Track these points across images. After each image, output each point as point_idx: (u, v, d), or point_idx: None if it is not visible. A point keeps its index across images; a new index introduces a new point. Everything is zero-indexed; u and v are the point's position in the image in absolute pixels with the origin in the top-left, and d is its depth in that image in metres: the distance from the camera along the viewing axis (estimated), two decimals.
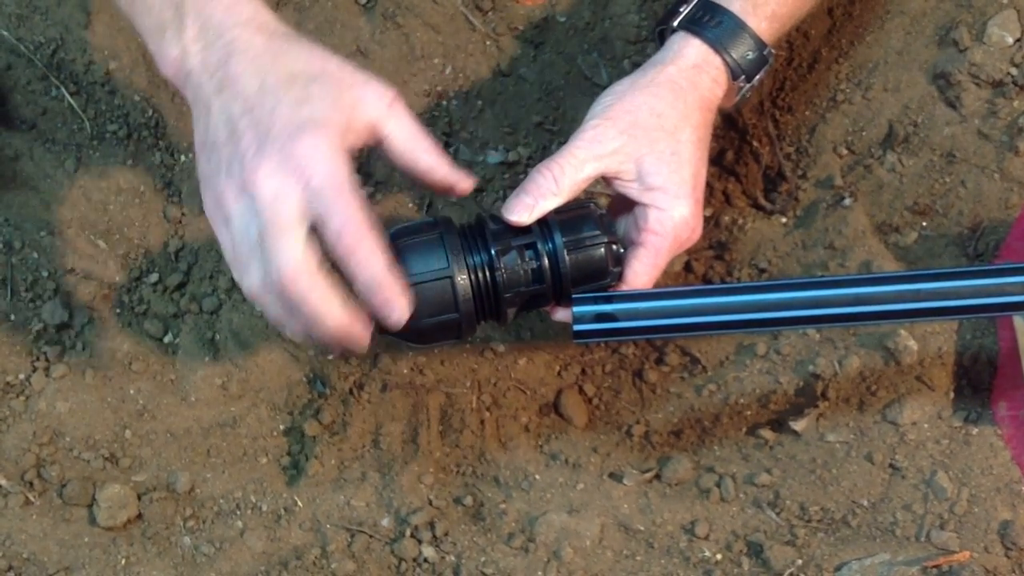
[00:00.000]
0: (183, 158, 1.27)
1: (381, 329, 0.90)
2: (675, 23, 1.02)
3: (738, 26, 1.00)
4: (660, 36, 1.05)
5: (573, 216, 0.94)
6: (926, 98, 1.15)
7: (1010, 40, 1.11)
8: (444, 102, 1.28)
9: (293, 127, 0.81)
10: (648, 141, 0.96)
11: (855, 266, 1.13)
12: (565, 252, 0.93)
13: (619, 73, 1.28)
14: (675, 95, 0.98)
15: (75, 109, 1.29)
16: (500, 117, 1.28)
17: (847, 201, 1.18)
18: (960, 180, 1.12)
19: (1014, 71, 1.10)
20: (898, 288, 0.90)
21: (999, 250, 1.08)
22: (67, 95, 1.28)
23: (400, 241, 0.92)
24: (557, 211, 0.94)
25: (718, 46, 0.99)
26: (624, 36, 1.27)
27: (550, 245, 0.93)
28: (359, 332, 0.85)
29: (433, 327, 0.92)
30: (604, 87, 1.28)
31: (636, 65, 1.28)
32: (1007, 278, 0.90)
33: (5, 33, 1.28)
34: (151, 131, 1.28)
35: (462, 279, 0.91)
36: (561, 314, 0.98)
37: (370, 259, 0.82)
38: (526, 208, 0.93)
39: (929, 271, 0.92)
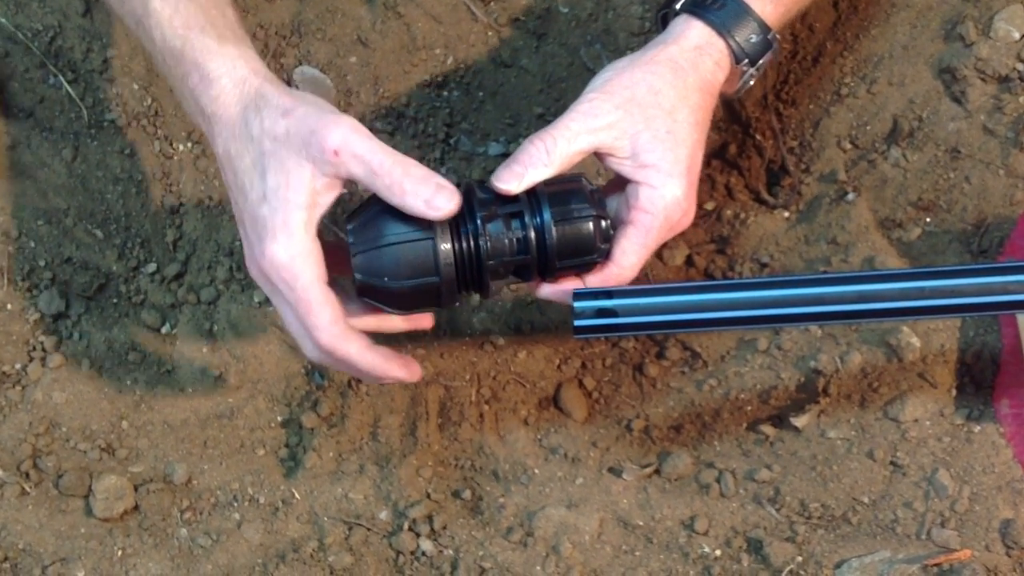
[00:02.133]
0: (181, 147, 1.27)
1: (359, 291, 0.91)
2: (678, 6, 1.00)
3: (742, 9, 0.99)
4: (663, 20, 1.04)
5: (563, 189, 0.93)
6: (931, 93, 1.15)
7: (1017, 35, 1.10)
8: (445, 92, 1.28)
9: (256, 230, 0.88)
10: (644, 118, 0.94)
11: (858, 262, 1.12)
12: (552, 224, 0.91)
13: None
14: (675, 74, 0.96)
15: (73, 97, 1.28)
16: (501, 108, 1.28)
17: (850, 196, 1.17)
18: (965, 176, 1.11)
19: (1021, 66, 1.09)
20: (902, 286, 0.90)
21: (1003, 246, 1.08)
22: (65, 83, 1.28)
23: (385, 202, 0.90)
24: (547, 183, 0.93)
25: (721, 29, 0.98)
26: (627, 28, 1.26)
27: (538, 217, 0.91)
28: (404, 367, 0.95)
29: (412, 290, 0.90)
30: None
31: None
32: (1011, 276, 0.89)
33: (3, 20, 1.28)
34: (149, 120, 1.28)
35: (444, 243, 0.89)
36: (546, 290, 0.96)
37: (344, 350, 0.90)
38: (515, 176, 0.91)
39: (933, 268, 0.91)
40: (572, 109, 0.95)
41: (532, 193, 0.92)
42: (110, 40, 1.27)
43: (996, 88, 1.11)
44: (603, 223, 0.92)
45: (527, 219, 0.91)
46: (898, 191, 1.15)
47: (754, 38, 0.99)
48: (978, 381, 1.04)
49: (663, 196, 0.94)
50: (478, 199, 0.92)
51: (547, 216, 0.91)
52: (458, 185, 0.91)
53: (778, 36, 1.01)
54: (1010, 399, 1.02)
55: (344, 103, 1.27)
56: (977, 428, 1.01)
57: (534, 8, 1.27)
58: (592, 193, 0.93)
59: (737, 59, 0.99)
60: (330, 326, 0.89)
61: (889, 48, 1.19)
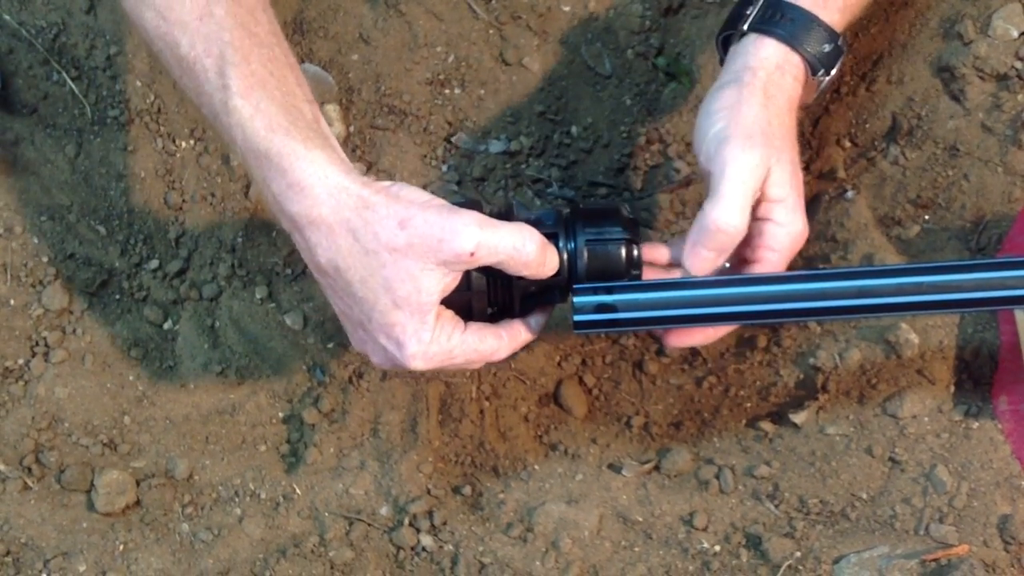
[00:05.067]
0: (184, 144, 1.27)
1: None
2: (744, 26, 0.99)
3: (810, 20, 0.97)
4: (724, 44, 1.02)
5: (599, 213, 0.93)
6: (930, 91, 1.15)
7: (1015, 33, 1.10)
8: (446, 91, 1.28)
9: (395, 336, 0.88)
10: (774, 150, 0.93)
11: (857, 259, 1.13)
12: (585, 248, 0.92)
13: (623, 63, 1.28)
14: (770, 100, 0.95)
15: (76, 94, 1.28)
16: (503, 106, 1.28)
17: (850, 194, 1.17)
18: (963, 174, 1.12)
19: (1019, 64, 1.09)
20: (900, 281, 0.90)
21: (1001, 244, 1.08)
22: (68, 80, 1.28)
23: None
24: (585, 207, 0.94)
25: (794, 43, 0.97)
26: (628, 26, 1.27)
27: (571, 240, 0.92)
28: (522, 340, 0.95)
29: (444, 302, 0.90)
30: (607, 77, 1.28)
31: (639, 55, 1.28)
32: (1009, 272, 0.89)
33: (7, 17, 1.28)
34: (152, 117, 1.28)
35: None
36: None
37: (516, 346, 0.95)
38: (710, 263, 0.92)
39: (931, 264, 0.91)
40: (722, 173, 0.91)
41: (570, 216, 0.93)
42: (114, 37, 1.28)
43: (994, 86, 1.11)
44: (635, 249, 0.93)
45: (561, 241, 0.92)
46: (897, 189, 1.15)
47: (827, 47, 0.97)
48: (976, 378, 1.05)
49: (790, 233, 0.93)
50: (516, 218, 0.92)
51: (580, 239, 0.92)
52: (496, 195, 0.91)
53: (847, 38, 1.00)
54: (1008, 396, 1.02)
55: (346, 100, 1.28)
56: (975, 424, 1.01)
57: (535, 6, 1.27)
58: (628, 219, 0.93)
59: (813, 70, 0.98)
60: (501, 349, 0.93)
61: (888, 46, 1.20)
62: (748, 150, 0.92)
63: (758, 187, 0.92)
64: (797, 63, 0.97)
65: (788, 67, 0.97)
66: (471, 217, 0.85)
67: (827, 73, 0.99)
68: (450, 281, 0.88)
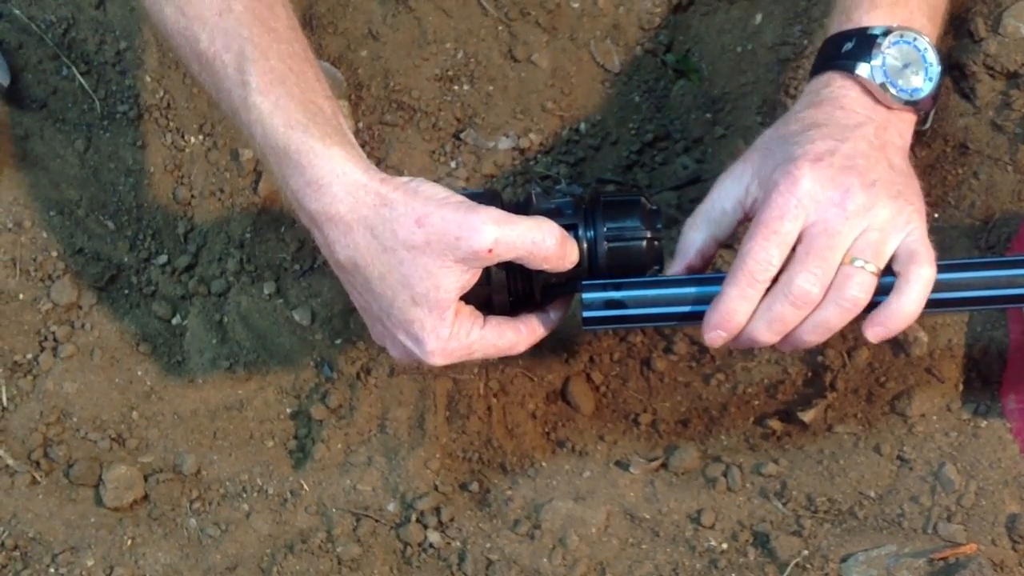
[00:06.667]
0: (193, 140, 1.27)
1: None
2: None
3: (836, 37, 0.94)
4: None
5: (621, 206, 0.92)
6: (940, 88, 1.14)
7: None
8: (455, 87, 1.28)
9: (414, 332, 0.89)
10: (765, 156, 0.90)
11: None
12: (605, 241, 0.91)
13: (631, 60, 1.28)
14: (789, 114, 0.93)
15: (86, 89, 1.29)
16: (511, 103, 1.28)
17: None
18: (973, 172, 1.11)
19: None
20: None
21: (1011, 242, 1.08)
22: (78, 75, 1.28)
23: None
24: (606, 198, 0.93)
25: (823, 67, 0.94)
26: (638, 23, 1.26)
27: (591, 232, 0.92)
28: (538, 334, 0.95)
29: (464, 296, 0.90)
30: (616, 74, 1.28)
31: (648, 52, 1.28)
32: (1018, 270, 0.89)
33: (17, 12, 1.28)
34: (162, 112, 1.28)
35: None
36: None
37: (534, 340, 0.95)
38: (683, 268, 0.94)
39: (940, 262, 0.91)
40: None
41: (590, 207, 0.93)
42: (123, 32, 1.28)
43: (1005, 84, 1.11)
44: (656, 244, 0.92)
45: (580, 232, 0.91)
46: None
47: (848, 45, 0.93)
48: (985, 376, 1.04)
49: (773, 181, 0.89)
50: (534, 208, 0.91)
51: (600, 232, 0.91)
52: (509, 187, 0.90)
53: (895, 26, 0.93)
54: (1017, 394, 1.02)
55: (355, 96, 1.28)
56: (984, 423, 1.01)
57: (544, 2, 1.27)
58: (650, 212, 0.92)
59: (844, 68, 0.92)
60: (519, 343, 0.93)
61: None
62: (726, 170, 0.93)
63: (730, 197, 0.92)
64: (840, 84, 0.93)
65: (823, 86, 0.94)
66: (489, 214, 0.85)
67: (868, 63, 0.91)
68: (469, 278, 0.87)
